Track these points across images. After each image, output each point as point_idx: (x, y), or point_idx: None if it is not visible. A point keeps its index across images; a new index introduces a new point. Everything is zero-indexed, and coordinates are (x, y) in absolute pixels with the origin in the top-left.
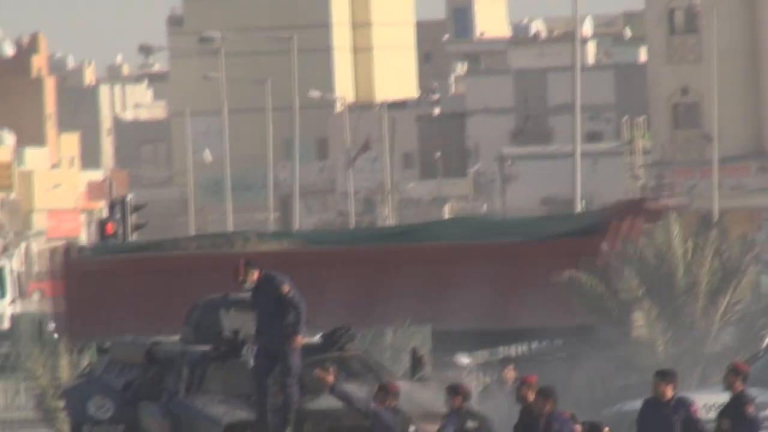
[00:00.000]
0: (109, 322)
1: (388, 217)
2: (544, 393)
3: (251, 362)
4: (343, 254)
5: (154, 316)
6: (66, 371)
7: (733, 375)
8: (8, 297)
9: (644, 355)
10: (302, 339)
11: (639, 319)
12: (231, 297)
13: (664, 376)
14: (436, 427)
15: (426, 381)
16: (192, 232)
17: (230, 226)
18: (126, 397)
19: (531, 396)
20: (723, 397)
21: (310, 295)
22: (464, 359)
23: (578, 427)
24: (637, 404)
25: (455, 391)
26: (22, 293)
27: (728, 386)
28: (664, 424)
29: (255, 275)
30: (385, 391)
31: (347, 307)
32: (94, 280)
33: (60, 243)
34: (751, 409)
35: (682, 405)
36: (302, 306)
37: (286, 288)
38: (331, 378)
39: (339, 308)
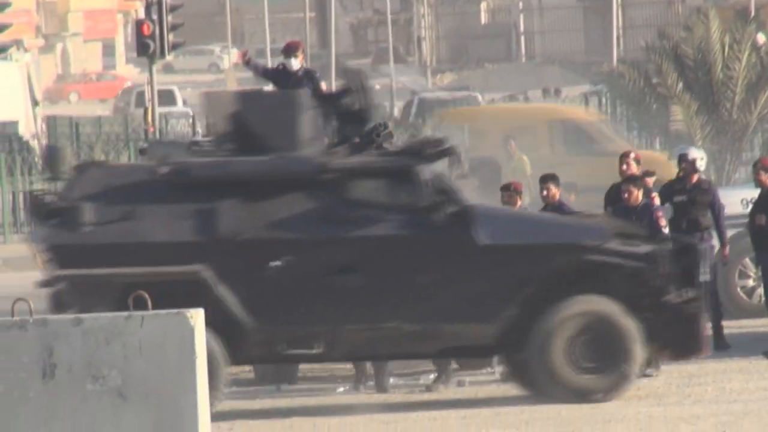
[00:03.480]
0: None
1: (424, 14)
2: None
3: None
4: None
5: None
6: None
7: (761, 171)
8: None
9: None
10: None
11: (677, 113)
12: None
13: (635, 181)
14: None
15: (465, 178)
16: (229, 32)
17: (266, 26)
18: None
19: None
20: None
21: None
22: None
23: None
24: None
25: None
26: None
27: (758, 182)
28: None
29: (302, 59)
30: None
31: None
32: None
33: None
34: None
35: (648, 210)
36: None
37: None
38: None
39: None
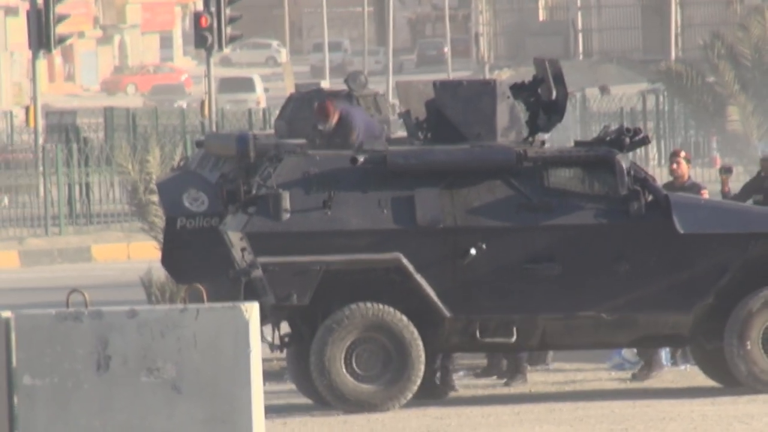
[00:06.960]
0: None
1: (482, 10)
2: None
3: None
4: None
5: None
6: (156, 166)
7: None
8: None
9: (739, 149)
10: None
11: (734, 114)
12: (325, 90)
13: (679, 154)
14: None
15: None
16: (287, 26)
17: (324, 20)
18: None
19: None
20: None
21: None
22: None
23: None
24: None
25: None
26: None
27: None
28: None
29: (336, 118)
30: None
31: None
32: None
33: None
34: None
35: (695, 187)
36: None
37: (354, 136)
38: None
39: None
